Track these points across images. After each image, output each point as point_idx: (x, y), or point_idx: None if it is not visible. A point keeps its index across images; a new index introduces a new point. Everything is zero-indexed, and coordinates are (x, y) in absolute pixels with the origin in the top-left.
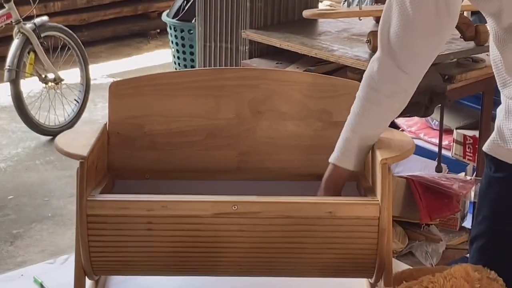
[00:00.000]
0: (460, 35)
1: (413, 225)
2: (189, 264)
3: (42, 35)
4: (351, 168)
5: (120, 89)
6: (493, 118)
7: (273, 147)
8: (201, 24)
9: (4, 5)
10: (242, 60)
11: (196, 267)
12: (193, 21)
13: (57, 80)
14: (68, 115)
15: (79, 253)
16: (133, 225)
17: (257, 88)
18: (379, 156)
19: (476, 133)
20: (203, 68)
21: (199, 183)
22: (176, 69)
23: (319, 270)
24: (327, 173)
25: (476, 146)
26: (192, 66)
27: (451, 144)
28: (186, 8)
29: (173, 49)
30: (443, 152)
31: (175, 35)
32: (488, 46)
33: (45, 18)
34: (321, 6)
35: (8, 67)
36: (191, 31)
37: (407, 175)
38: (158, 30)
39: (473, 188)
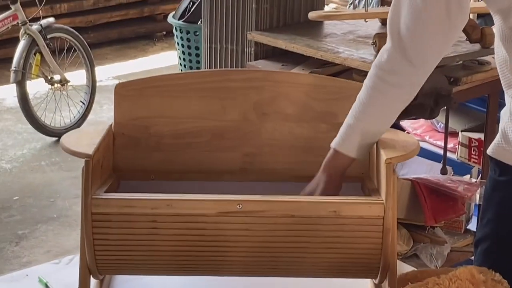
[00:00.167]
0: (466, 37)
1: (418, 227)
2: (193, 262)
3: (48, 36)
4: (351, 155)
5: (125, 90)
6: (499, 121)
7: (278, 148)
8: (206, 26)
9: (11, 6)
10: (248, 62)
11: (200, 265)
12: (199, 22)
13: (63, 82)
14: (74, 117)
15: (84, 252)
16: (137, 223)
17: (262, 89)
18: (384, 155)
19: (481, 135)
20: (208, 69)
21: (204, 184)
22: (181, 71)
23: (323, 270)
24: (327, 156)
25: (482, 149)
26: (198, 68)
27: (456, 146)
28: (192, 9)
29: (179, 51)
30: (448, 154)
31: (181, 37)
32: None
33: (51, 19)
34: (327, 8)
35: (14, 69)
36: (197, 33)
37: (412, 177)
38: (164, 32)
39: (478, 190)
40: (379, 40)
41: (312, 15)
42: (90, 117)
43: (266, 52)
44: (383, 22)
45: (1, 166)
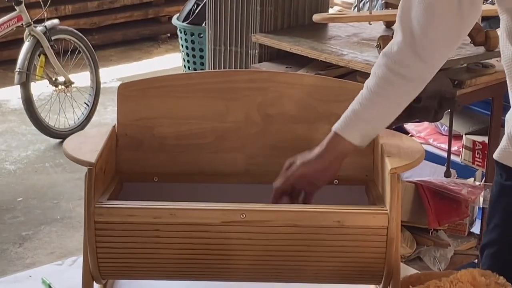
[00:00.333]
0: (470, 40)
1: (421, 230)
2: (196, 271)
3: (53, 38)
4: (354, 142)
5: (128, 91)
6: (503, 124)
7: (282, 150)
8: (211, 28)
9: (15, 7)
10: (252, 64)
11: (203, 274)
12: (203, 24)
13: (67, 83)
14: (78, 118)
15: (87, 258)
16: (140, 232)
17: (266, 90)
18: (389, 165)
19: (485, 138)
20: (212, 70)
21: (207, 186)
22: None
23: (326, 277)
24: (328, 140)
25: (486, 152)
26: (202, 70)
27: (460, 149)
28: (196, 11)
29: (183, 53)
30: (452, 157)
31: (185, 39)
32: (498, 51)
33: (55, 21)
34: (331, 11)
35: (18, 70)
36: (201, 35)
37: (416, 180)
38: (169, 34)
39: (482, 193)
40: (383, 42)
41: (316, 17)
42: (94, 118)
43: (270, 54)
44: (388, 24)
45: (5, 167)
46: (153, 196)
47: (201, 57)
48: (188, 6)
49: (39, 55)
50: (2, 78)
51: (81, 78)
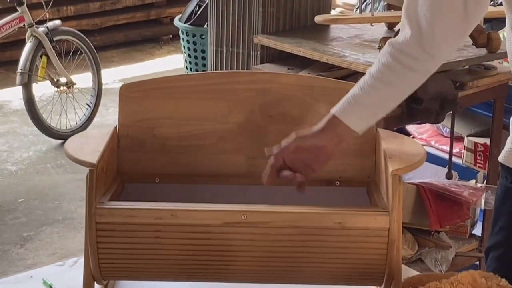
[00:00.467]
0: (472, 42)
1: (423, 231)
2: (197, 272)
3: (55, 39)
4: (349, 124)
5: (130, 92)
6: (505, 126)
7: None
8: (213, 29)
9: (17, 8)
10: (254, 65)
11: (204, 275)
12: (205, 25)
13: (69, 84)
14: (80, 119)
15: (88, 259)
16: (141, 233)
17: (268, 92)
18: (390, 167)
19: (487, 140)
20: (214, 71)
21: (208, 187)
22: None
23: (327, 279)
24: (323, 120)
25: (487, 154)
26: (204, 71)
27: (462, 151)
28: (198, 13)
29: (185, 54)
30: (454, 159)
31: (187, 40)
32: (500, 53)
33: (57, 22)
34: (333, 12)
35: (20, 71)
36: (203, 36)
37: (418, 182)
38: (171, 36)
39: (484, 195)
40: (385, 44)
41: (318, 19)
42: (96, 119)
43: (272, 56)
44: (390, 26)
45: (6, 168)
46: (154, 197)
47: (203, 58)
48: (190, 7)
49: (41, 56)
50: (4, 79)
51: (83, 79)
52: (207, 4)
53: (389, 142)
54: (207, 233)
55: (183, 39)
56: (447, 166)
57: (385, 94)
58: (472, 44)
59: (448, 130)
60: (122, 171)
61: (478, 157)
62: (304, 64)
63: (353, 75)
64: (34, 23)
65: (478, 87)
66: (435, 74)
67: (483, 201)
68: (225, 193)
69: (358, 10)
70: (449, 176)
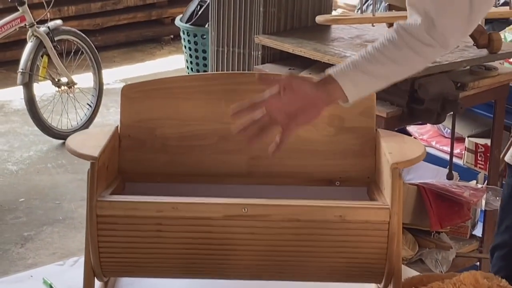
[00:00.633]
0: (473, 42)
1: (423, 232)
2: (198, 265)
3: (56, 38)
4: (342, 85)
5: (132, 92)
6: (506, 127)
7: (284, 152)
8: (214, 29)
9: (18, 8)
10: (255, 65)
11: (206, 268)
12: (206, 26)
13: (70, 84)
14: (81, 119)
15: (89, 254)
16: (142, 226)
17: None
18: (390, 160)
19: (488, 141)
20: (215, 72)
21: (209, 187)
22: (188, 74)
23: (328, 274)
24: (322, 82)
25: (488, 155)
26: (205, 71)
27: (463, 152)
28: (199, 13)
29: (186, 54)
30: (455, 160)
31: (188, 40)
32: (501, 54)
33: (59, 21)
34: (334, 13)
35: (21, 70)
36: (204, 36)
37: (418, 182)
38: (172, 36)
39: (484, 196)
40: None
41: (319, 19)
42: (96, 119)
43: (273, 56)
44: (391, 26)
45: (7, 168)
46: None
47: (204, 58)
48: (191, 7)
49: (42, 56)
50: (5, 78)
51: (84, 79)
52: (208, 4)
53: (389, 140)
54: (208, 226)
55: (184, 39)
56: (448, 166)
57: (385, 66)
58: (473, 45)
59: (449, 130)
60: (123, 171)
61: (478, 158)
62: (305, 64)
63: None
64: (35, 23)
65: (479, 87)
66: (436, 74)
67: (483, 201)
68: (226, 192)
69: (359, 11)
70: (449, 177)
